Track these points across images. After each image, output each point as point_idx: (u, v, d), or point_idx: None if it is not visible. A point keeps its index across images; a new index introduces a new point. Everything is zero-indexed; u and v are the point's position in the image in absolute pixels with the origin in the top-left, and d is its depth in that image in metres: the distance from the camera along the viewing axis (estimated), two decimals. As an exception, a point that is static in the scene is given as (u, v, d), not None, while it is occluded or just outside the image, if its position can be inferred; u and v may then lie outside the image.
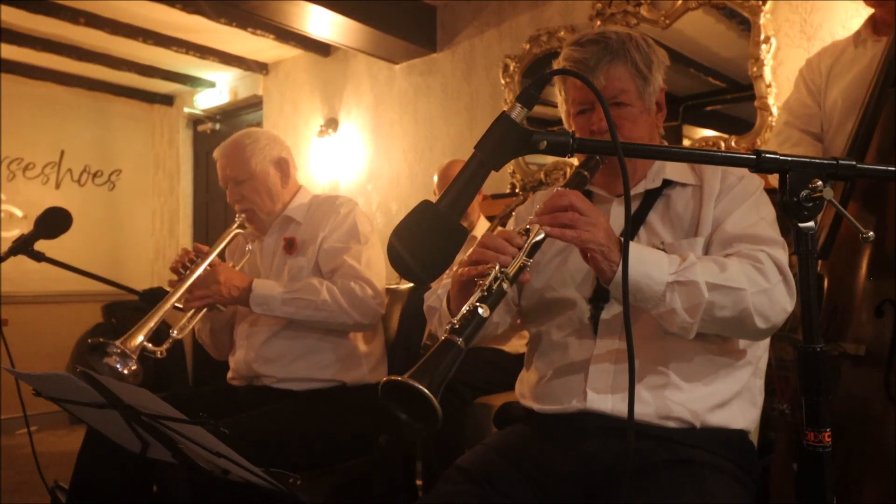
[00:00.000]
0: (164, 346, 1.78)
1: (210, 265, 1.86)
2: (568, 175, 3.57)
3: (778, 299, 1.14)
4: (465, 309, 0.98)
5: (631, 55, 1.29)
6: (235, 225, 2.02)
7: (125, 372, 1.65)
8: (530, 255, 1.07)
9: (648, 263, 1.11)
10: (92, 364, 1.65)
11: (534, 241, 1.08)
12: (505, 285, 1.02)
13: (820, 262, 1.74)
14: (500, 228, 2.80)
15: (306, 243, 1.99)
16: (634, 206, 1.34)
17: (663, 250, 1.23)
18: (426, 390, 0.84)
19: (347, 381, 1.94)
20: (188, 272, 1.85)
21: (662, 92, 1.37)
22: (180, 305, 1.85)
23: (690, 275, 1.10)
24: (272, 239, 2.06)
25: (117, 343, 1.65)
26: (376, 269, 1.95)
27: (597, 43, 1.29)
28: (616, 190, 1.38)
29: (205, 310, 1.91)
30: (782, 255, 1.18)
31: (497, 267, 1.04)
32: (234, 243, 2.17)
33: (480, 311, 0.97)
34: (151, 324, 1.73)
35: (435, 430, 0.87)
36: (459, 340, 0.93)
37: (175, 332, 1.84)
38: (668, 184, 1.34)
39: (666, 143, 1.51)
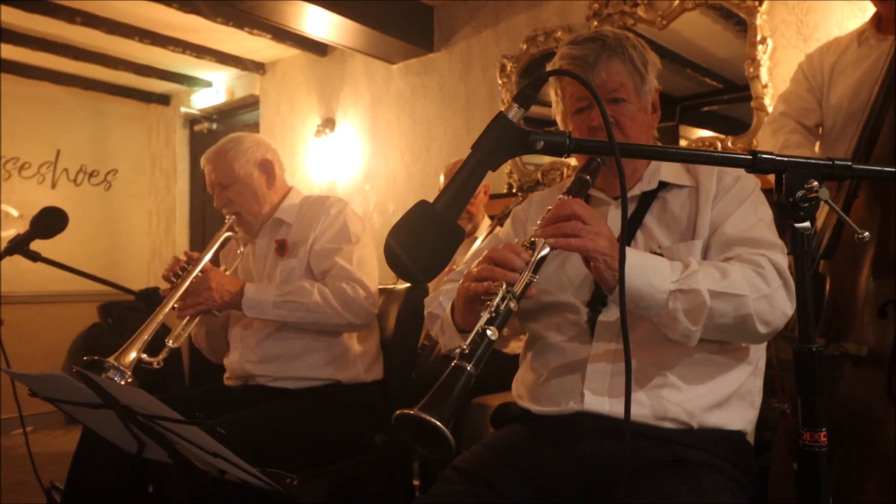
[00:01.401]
0: (161, 357, 1.77)
1: (202, 271, 1.85)
2: (565, 175, 3.58)
3: (778, 304, 1.14)
4: (473, 333, 0.98)
5: (628, 53, 1.30)
6: (225, 228, 2.01)
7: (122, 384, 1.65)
8: (536, 270, 1.07)
9: (651, 271, 1.11)
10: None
11: (539, 256, 1.08)
12: (512, 304, 1.03)
13: (823, 262, 1.74)
14: (498, 228, 2.79)
15: (297, 245, 1.99)
16: (631, 208, 1.33)
17: (660, 254, 1.23)
18: (439, 423, 0.85)
19: (343, 380, 1.93)
20: (180, 280, 1.84)
21: (657, 93, 1.37)
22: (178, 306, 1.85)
23: (693, 283, 1.10)
24: (264, 241, 2.06)
25: (111, 360, 1.64)
26: (368, 269, 1.94)
27: (594, 41, 1.30)
28: (614, 192, 1.38)
29: (199, 316, 1.90)
30: (782, 258, 1.18)
31: (504, 286, 1.04)
32: (228, 246, 2.16)
33: (489, 333, 0.98)
34: (145, 336, 1.72)
35: (449, 458, 0.87)
36: (469, 366, 0.94)
37: (171, 341, 1.83)
38: (664, 185, 1.34)
39: (660, 144, 1.51)
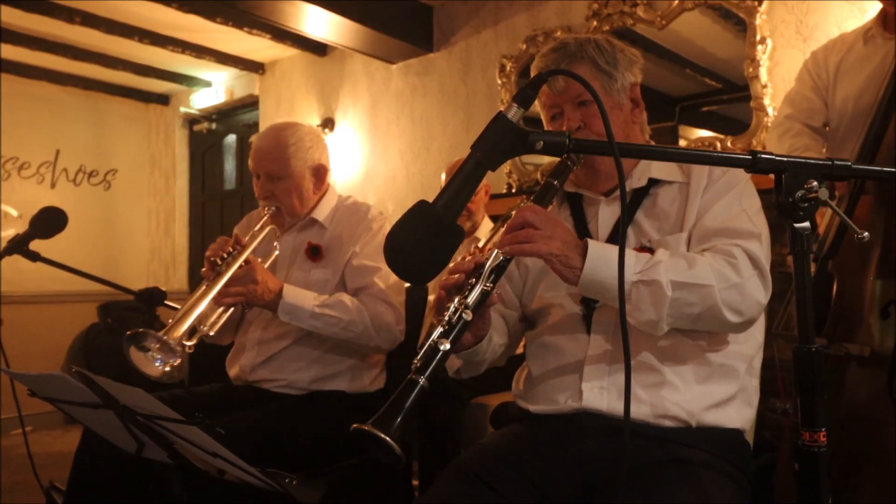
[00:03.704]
0: (194, 341, 1.65)
1: (246, 261, 1.75)
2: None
3: (750, 293, 1.16)
4: (426, 346, 1.05)
5: (589, 55, 1.33)
6: (268, 219, 1.92)
7: (166, 369, 1.55)
8: (496, 279, 1.13)
9: (613, 263, 1.12)
10: (128, 356, 1.53)
11: (493, 265, 1.14)
12: (466, 315, 1.09)
13: (831, 262, 1.74)
14: (502, 231, 2.79)
15: (331, 253, 1.94)
16: (619, 206, 1.35)
17: (649, 248, 1.25)
18: (386, 438, 0.94)
19: (348, 390, 1.93)
20: (225, 265, 1.72)
21: (635, 88, 1.38)
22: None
23: (654, 274, 1.13)
24: (291, 237, 2.01)
25: (160, 334, 1.53)
26: (399, 292, 1.92)
27: (556, 51, 1.35)
28: (601, 189, 1.40)
29: (232, 308, 1.80)
30: (758, 247, 1.19)
31: (456, 300, 1.11)
32: (248, 229, 2.11)
33: (441, 346, 1.05)
34: (195, 313, 1.61)
35: (400, 466, 0.96)
36: (422, 380, 1.01)
37: (206, 328, 1.73)
38: (654, 182, 1.35)
39: (653, 142, 1.52)
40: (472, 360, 1.33)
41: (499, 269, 1.14)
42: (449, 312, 1.10)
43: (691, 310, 1.14)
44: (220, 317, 1.78)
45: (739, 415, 1.26)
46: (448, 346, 1.05)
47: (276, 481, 1.22)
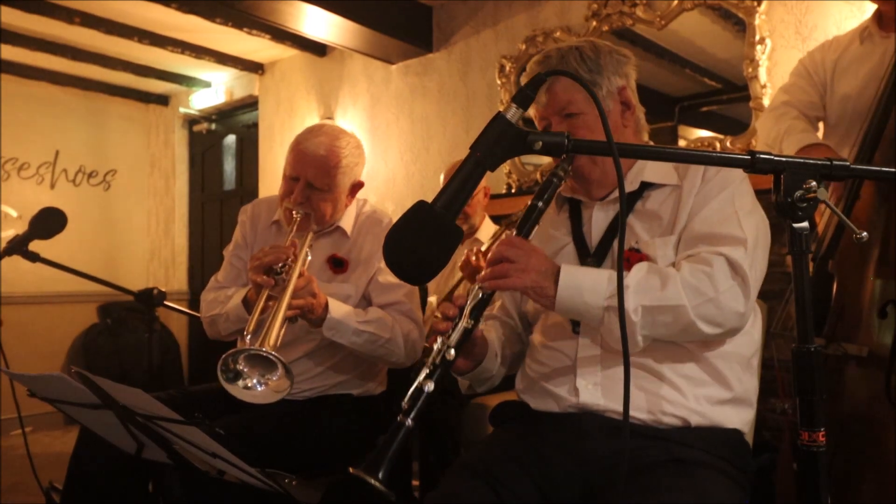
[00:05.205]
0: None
1: (300, 273, 1.65)
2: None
3: (728, 304, 1.16)
4: (412, 388, 1.11)
5: (571, 66, 1.34)
6: (299, 221, 1.83)
7: (263, 387, 1.48)
8: (477, 315, 1.19)
9: (584, 290, 1.18)
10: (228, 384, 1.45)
11: (474, 303, 1.19)
12: (448, 355, 1.15)
13: (830, 261, 1.75)
14: (507, 233, 2.78)
15: (354, 267, 1.91)
16: (612, 210, 1.37)
17: (637, 249, 1.27)
18: (374, 482, 1.01)
19: (354, 393, 1.93)
20: (284, 275, 1.63)
21: (624, 91, 1.38)
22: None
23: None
24: (313, 243, 1.96)
25: (251, 348, 1.44)
26: (419, 306, 1.91)
27: (540, 63, 1.37)
28: (596, 195, 1.41)
29: (287, 321, 1.63)
30: (741, 254, 1.18)
31: (439, 340, 1.16)
32: (259, 230, 2.04)
33: (426, 388, 1.11)
34: (279, 322, 1.52)
35: (391, 502, 1.02)
36: (408, 421, 1.09)
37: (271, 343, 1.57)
38: (647, 185, 1.35)
39: (651, 142, 1.52)
40: (479, 378, 1.38)
41: (480, 305, 1.19)
42: (433, 354, 1.15)
43: (666, 329, 1.17)
44: (279, 330, 1.59)
45: (738, 414, 1.27)
46: (432, 386, 1.11)
47: (275, 481, 1.22)
